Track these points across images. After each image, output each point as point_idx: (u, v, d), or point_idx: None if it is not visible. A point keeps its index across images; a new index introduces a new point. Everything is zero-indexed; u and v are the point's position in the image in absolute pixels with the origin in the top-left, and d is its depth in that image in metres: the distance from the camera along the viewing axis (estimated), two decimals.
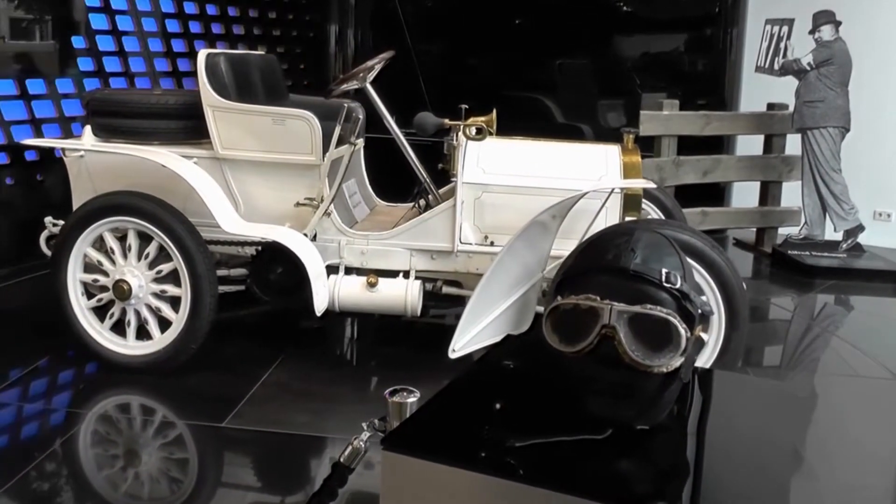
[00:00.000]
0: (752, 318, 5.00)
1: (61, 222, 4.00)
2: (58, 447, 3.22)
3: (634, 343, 1.57)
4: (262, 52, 4.96)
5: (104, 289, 3.82)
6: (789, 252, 6.18)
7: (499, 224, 3.83)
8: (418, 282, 3.89)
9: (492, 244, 3.84)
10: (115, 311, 3.83)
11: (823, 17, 5.99)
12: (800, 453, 3.36)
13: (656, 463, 1.61)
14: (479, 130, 3.89)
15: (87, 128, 4.03)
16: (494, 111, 4.00)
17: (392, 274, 3.92)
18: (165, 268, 3.74)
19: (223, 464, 3.29)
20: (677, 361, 1.58)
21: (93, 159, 4.07)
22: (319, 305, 3.78)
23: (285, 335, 4.39)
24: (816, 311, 5.48)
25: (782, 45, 6.29)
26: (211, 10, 7.10)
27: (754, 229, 6.69)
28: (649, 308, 1.57)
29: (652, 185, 4.13)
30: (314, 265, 3.77)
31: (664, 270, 1.62)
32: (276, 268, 3.87)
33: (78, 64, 5.86)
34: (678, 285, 1.62)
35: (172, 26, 6.73)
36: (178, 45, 6.72)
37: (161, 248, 3.75)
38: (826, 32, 5.98)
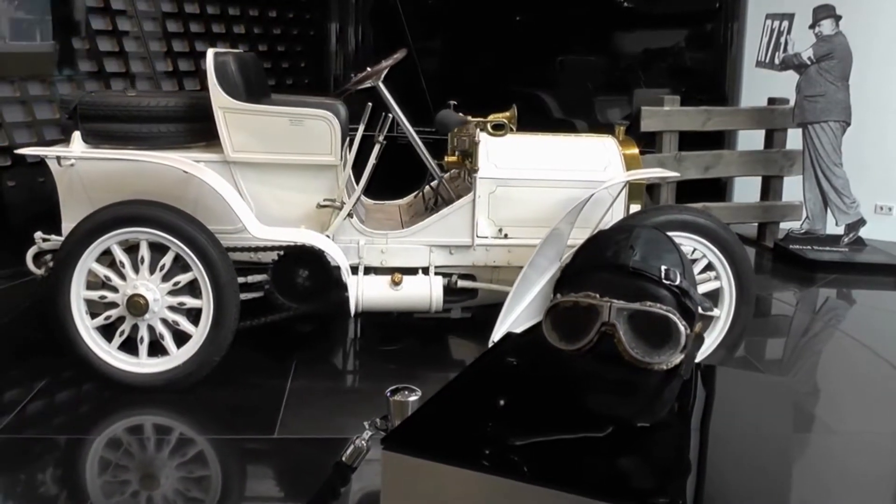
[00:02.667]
0: (755, 312, 5.05)
1: (53, 237, 3.81)
2: (58, 478, 3.04)
3: (634, 340, 1.56)
4: (242, 51, 4.89)
5: (111, 305, 3.61)
6: (791, 246, 6.17)
7: (512, 217, 3.97)
8: (439, 277, 3.95)
9: (506, 236, 3.99)
10: (126, 328, 3.61)
11: (824, 12, 5.98)
12: (802, 448, 3.36)
13: (658, 460, 1.61)
14: (501, 126, 4.01)
15: (77, 134, 3.74)
16: (514, 107, 4.16)
17: (411, 271, 3.95)
18: (183, 279, 3.58)
19: (267, 477, 3.16)
20: (677, 358, 1.58)
21: (87, 168, 3.77)
22: (354, 306, 3.80)
23: (284, 340, 4.31)
24: (818, 305, 5.47)
25: (783, 39, 6.28)
26: (211, 9, 7.11)
27: (756, 224, 6.68)
28: (649, 305, 1.57)
29: (675, 175, 4.47)
30: (346, 266, 3.79)
31: (663, 267, 1.62)
32: (299, 272, 3.78)
33: (78, 65, 5.87)
34: (678, 282, 1.62)
35: (173, 26, 6.73)
36: (178, 46, 6.72)
37: (175, 259, 3.58)
38: (826, 27, 5.97)
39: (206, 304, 3.58)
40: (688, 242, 3.72)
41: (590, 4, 8.08)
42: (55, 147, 3.82)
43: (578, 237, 3.67)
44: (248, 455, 3.25)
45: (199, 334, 3.61)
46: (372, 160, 3.94)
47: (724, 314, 3.81)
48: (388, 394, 1.90)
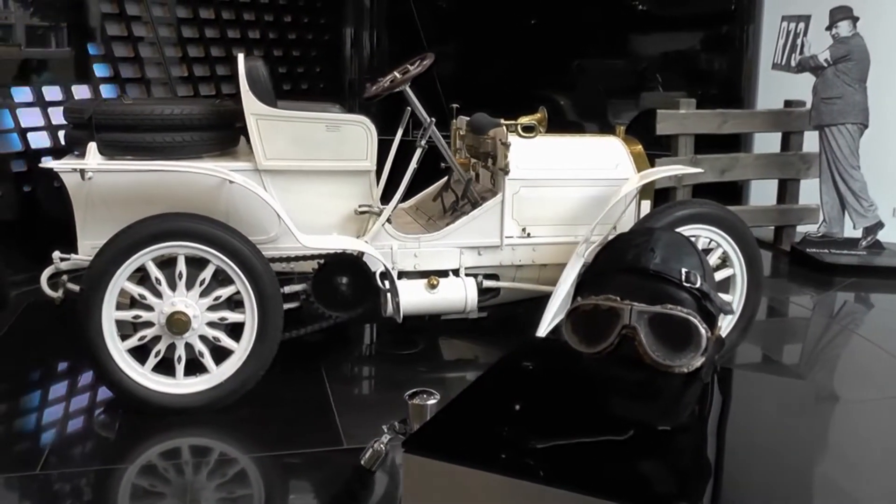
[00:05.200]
0: (772, 316, 5.05)
1: (73, 256, 3.62)
2: None
3: (655, 343, 1.56)
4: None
5: (145, 325, 3.43)
6: (808, 250, 6.14)
7: (534, 216, 4.11)
8: (472, 278, 4.02)
9: (528, 235, 4.11)
10: (161, 347, 3.44)
11: (841, 13, 5.95)
12: (820, 452, 3.34)
13: (678, 463, 1.60)
14: (531, 128, 4.13)
15: (92, 145, 3.48)
16: (544, 109, 4.28)
17: (440, 273, 3.99)
18: (225, 293, 3.47)
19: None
20: (698, 361, 1.57)
21: (106, 182, 3.56)
22: (402, 310, 3.83)
23: (298, 350, 4.15)
24: (836, 309, 5.45)
25: (799, 41, 6.26)
26: (226, 14, 7.12)
27: (772, 228, 6.65)
28: (669, 308, 1.56)
29: (697, 171, 4.85)
30: (393, 272, 3.82)
31: (684, 270, 1.61)
32: (341, 280, 3.73)
33: (94, 70, 5.89)
34: (698, 285, 1.61)
35: (188, 31, 6.75)
36: (193, 51, 6.74)
37: (215, 273, 3.46)
38: (843, 28, 5.94)
39: (249, 317, 3.47)
40: (706, 234, 3.97)
41: (604, 8, 8.06)
42: (70, 159, 3.62)
43: (600, 234, 4.00)
44: (316, 469, 3.14)
45: (241, 349, 3.49)
46: (413, 164, 3.98)
47: (736, 299, 4.09)
48: (407, 397, 1.90)
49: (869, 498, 3.07)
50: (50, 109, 5.49)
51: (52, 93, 5.56)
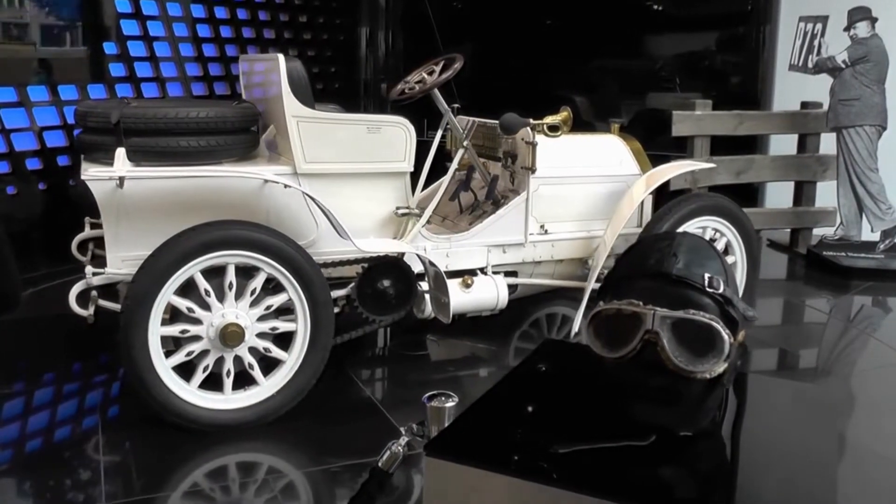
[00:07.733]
0: (788, 320, 5.02)
1: (107, 271, 3.37)
2: None
3: (678, 349, 1.55)
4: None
5: (192, 340, 3.26)
6: (824, 253, 6.10)
7: (551, 213, 4.26)
8: (501, 276, 4.09)
9: (546, 232, 4.23)
10: (210, 362, 3.29)
11: (859, 14, 5.91)
12: (838, 459, 3.32)
13: (699, 469, 1.59)
14: (556, 128, 4.20)
15: (121, 151, 3.24)
16: (569, 110, 4.34)
17: (471, 273, 4.04)
18: (276, 302, 3.34)
19: None
20: (721, 367, 1.56)
21: (139, 190, 3.32)
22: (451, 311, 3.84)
23: None
24: (853, 313, 5.41)
25: (816, 42, 6.21)
26: (242, 14, 7.13)
27: (788, 230, 6.62)
28: (692, 313, 1.55)
29: (710, 165, 5.22)
30: (442, 273, 3.84)
31: (707, 275, 1.61)
32: (385, 283, 3.68)
33: (110, 69, 5.91)
34: (721, 290, 1.60)
35: (203, 31, 6.76)
36: (209, 50, 6.76)
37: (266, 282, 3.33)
38: (862, 29, 5.90)
39: (301, 325, 3.36)
40: (712, 224, 4.27)
41: (620, 8, 8.04)
42: (99, 167, 3.33)
43: (600, 228, 4.29)
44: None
45: (293, 359, 3.37)
46: (454, 165, 4.08)
47: (737, 282, 4.30)
48: (425, 400, 1.89)
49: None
50: (65, 108, 5.51)
51: (67, 92, 5.57)
